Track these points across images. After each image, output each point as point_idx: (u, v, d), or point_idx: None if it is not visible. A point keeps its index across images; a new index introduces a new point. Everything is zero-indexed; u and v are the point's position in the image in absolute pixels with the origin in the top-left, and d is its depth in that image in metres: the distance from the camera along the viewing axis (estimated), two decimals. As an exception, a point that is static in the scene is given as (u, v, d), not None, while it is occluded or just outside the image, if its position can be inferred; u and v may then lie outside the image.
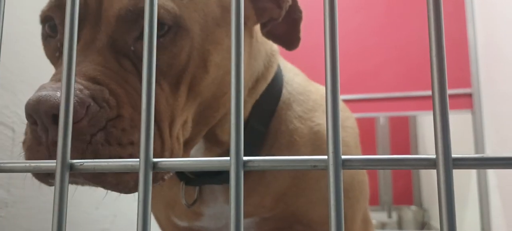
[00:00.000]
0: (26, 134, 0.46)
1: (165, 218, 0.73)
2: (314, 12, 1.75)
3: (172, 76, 0.49)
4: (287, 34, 0.63)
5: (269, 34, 0.63)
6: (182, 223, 0.70)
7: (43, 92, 0.40)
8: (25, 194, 0.79)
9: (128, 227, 1.18)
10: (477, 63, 1.61)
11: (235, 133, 0.23)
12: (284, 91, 0.67)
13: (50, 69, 0.87)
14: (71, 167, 0.25)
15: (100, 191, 1.18)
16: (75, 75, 0.43)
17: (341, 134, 0.68)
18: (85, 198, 0.99)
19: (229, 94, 0.58)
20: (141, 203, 0.24)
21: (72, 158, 0.40)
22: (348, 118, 0.72)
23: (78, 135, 0.41)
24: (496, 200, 1.50)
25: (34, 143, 0.43)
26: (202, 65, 0.51)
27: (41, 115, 0.40)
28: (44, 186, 0.84)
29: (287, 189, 0.64)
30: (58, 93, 0.40)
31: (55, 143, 0.41)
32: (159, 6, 0.47)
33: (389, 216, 2.59)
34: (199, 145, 0.61)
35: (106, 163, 0.25)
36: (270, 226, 0.67)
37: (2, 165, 0.28)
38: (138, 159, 0.24)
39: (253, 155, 0.63)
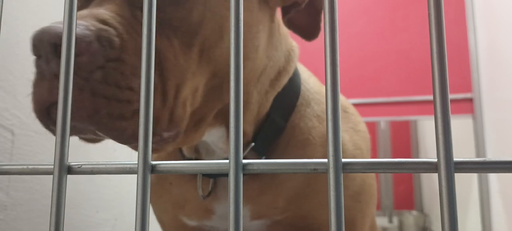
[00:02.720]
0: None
1: (172, 219, 0.72)
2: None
3: (184, 34, 0.49)
4: (307, 24, 0.63)
5: (290, 23, 0.63)
6: (192, 222, 0.69)
7: (49, 25, 0.41)
8: (24, 196, 0.79)
9: (130, 223, 1.17)
10: (478, 68, 1.61)
11: (234, 136, 0.23)
12: (302, 88, 0.67)
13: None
14: (69, 169, 0.25)
15: (101, 194, 1.17)
16: (87, 15, 0.44)
17: (355, 137, 0.68)
18: (85, 202, 0.99)
19: (246, 73, 0.57)
20: (139, 206, 0.24)
21: (73, 100, 0.39)
22: (359, 122, 0.72)
23: (77, 70, 0.41)
24: (498, 205, 1.49)
25: (38, 77, 0.43)
26: (217, 30, 0.51)
27: (44, 44, 0.41)
28: (43, 188, 0.84)
29: (300, 189, 0.63)
30: (61, 25, 0.40)
31: (56, 76, 0.41)
32: None
33: (390, 221, 2.59)
34: (221, 133, 0.60)
35: (104, 166, 0.25)
36: (280, 230, 0.66)
37: (0, 167, 0.28)
38: (136, 162, 0.24)
39: (270, 149, 0.62)
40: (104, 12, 0.46)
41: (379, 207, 2.63)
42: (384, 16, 1.73)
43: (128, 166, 0.25)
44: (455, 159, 0.22)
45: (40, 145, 0.84)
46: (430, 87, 1.61)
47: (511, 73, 1.36)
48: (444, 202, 0.21)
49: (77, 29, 0.41)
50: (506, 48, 1.39)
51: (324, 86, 0.77)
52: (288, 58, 0.65)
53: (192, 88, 0.50)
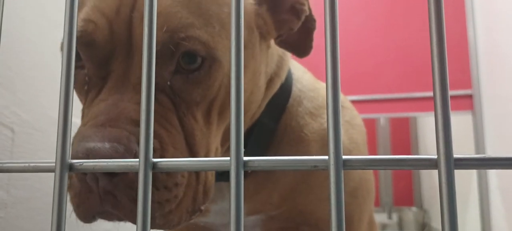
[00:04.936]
0: (71, 178, 0.45)
1: None
2: (315, 14, 1.75)
3: (205, 106, 0.49)
4: (299, 42, 0.63)
5: (282, 42, 0.63)
6: None
7: (91, 144, 0.40)
8: (25, 195, 0.79)
9: (131, 228, 1.17)
10: (477, 64, 1.61)
11: (235, 133, 0.23)
12: (294, 88, 0.67)
13: (49, 68, 0.87)
14: (71, 167, 0.25)
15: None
16: (118, 117, 0.42)
17: (350, 131, 0.68)
18: (85, 199, 0.99)
19: (249, 114, 0.58)
20: (140, 203, 0.24)
21: (128, 211, 0.41)
22: (355, 116, 0.73)
23: (128, 185, 0.41)
24: (497, 201, 1.49)
25: (84, 190, 0.42)
26: (230, 91, 0.51)
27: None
28: (43, 186, 0.84)
29: (296, 186, 0.63)
30: (107, 145, 0.39)
31: (107, 192, 0.41)
32: (194, 38, 0.45)
33: (390, 217, 2.59)
34: None
35: (105, 163, 0.25)
36: (276, 225, 0.67)
37: (1, 165, 0.28)
38: (137, 159, 0.24)
39: (262, 150, 0.63)
40: (132, 108, 0.43)
41: (378, 203, 2.63)
42: (383, 12, 1.73)
43: (130, 163, 0.25)
44: (455, 156, 0.22)
45: (40, 143, 0.84)
46: (429, 83, 1.61)
47: (510, 70, 1.36)
48: (444, 198, 0.21)
49: (118, 147, 0.40)
50: (506, 44, 1.39)
51: (319, 83, 0.76)
52: (280, 64, 0.65)
53: (214, 150, 0.51)
